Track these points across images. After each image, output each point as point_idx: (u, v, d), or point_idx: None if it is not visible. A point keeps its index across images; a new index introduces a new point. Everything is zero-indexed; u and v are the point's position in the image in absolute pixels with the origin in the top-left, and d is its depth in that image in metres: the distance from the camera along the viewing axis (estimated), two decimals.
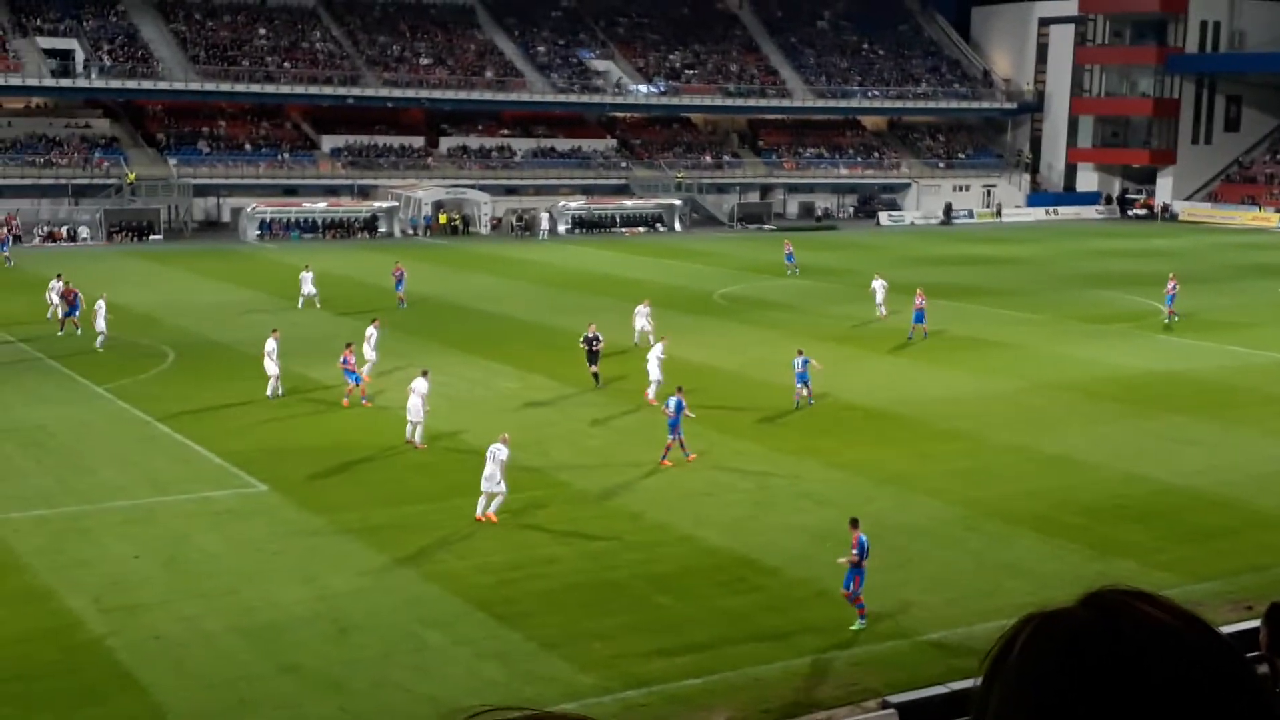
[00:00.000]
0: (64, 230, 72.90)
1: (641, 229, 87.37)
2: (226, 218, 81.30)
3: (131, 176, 76.64)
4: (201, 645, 18.57)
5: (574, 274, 62.94)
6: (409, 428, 29.75)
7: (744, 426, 31.82)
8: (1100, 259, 69.26)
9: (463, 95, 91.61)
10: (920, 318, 43.69)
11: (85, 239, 72.54)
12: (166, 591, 20.58)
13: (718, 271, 63.28)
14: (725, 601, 20.77)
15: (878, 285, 48.22)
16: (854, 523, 20.03)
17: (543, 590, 21.08)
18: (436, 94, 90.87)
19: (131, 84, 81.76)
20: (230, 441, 29.43)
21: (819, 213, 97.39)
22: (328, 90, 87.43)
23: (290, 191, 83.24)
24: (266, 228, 77.43)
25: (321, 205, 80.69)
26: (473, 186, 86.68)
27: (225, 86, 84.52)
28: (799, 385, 33.93)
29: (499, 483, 24.41)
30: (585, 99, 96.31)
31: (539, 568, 22.08)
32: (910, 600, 20.86)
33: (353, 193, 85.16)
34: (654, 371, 34.44)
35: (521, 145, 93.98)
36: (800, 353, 34.59)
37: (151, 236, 74.63)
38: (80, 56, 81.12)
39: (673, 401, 28.74)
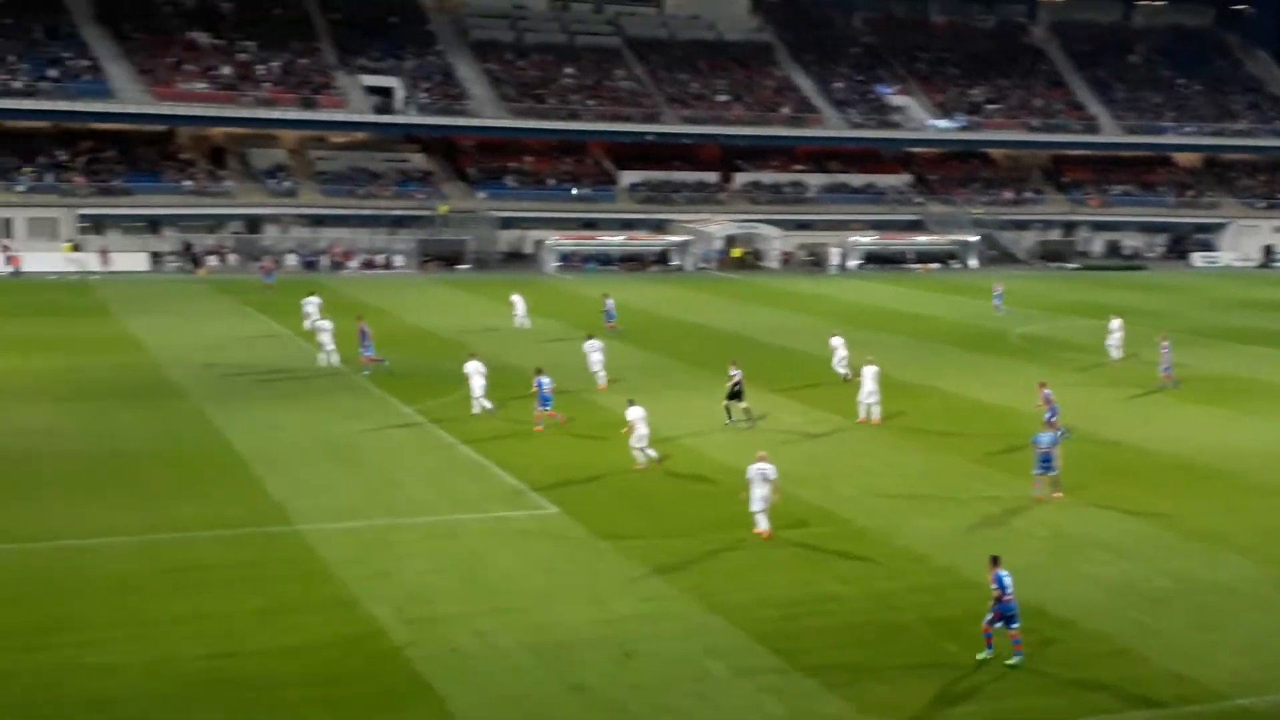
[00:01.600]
0: (380, 258, 77.20)
1: (935, 265, 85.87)
2: (529, 249, 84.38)
3: (443, 209, 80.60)
4: (494, 660, 19.21)
5: (863, 309, 62.33)
6: (639, 456, 30.39)
7: None
8: None
9: (758, 131, 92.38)
10: (1167, 367, 41.58)
11: (400, 267, 76.61)
12: (463, 606, 21.39)
13: (1015, 310, 61.47)
14: None
15: (1115, 325, 47.03)
16: (994, 560, 20.21)
17: (825, 627, 20.89)
18: (732, 130, 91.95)
19: (446, 120, 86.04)
20: (525, 464, 30.41)
21: (1127, 252, 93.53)
22: (628, 127, 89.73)
23: (589, 225, 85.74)
24: (565, 259, 79.98)
25: (618, 238, 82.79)
26: (764, 221, 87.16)
27: (533, 123, 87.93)
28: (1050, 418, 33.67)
29: (769, 499, 25.44)
30: (881, 134, 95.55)
31: (821, 604, 21.89)
32: (1220, 663, 19.65)
33: (648, 227, 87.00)
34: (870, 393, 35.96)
35: (815, 180, 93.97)
36: (1043, 385, 34.94)
37: (459, 266, 78.21)
38: (400, 94, 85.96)
39: (1046, 437, 28.77)
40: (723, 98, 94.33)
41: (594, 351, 40.50)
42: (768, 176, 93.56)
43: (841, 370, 41.40)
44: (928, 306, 62.60)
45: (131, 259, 72.29)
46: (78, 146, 78.57)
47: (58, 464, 29.64)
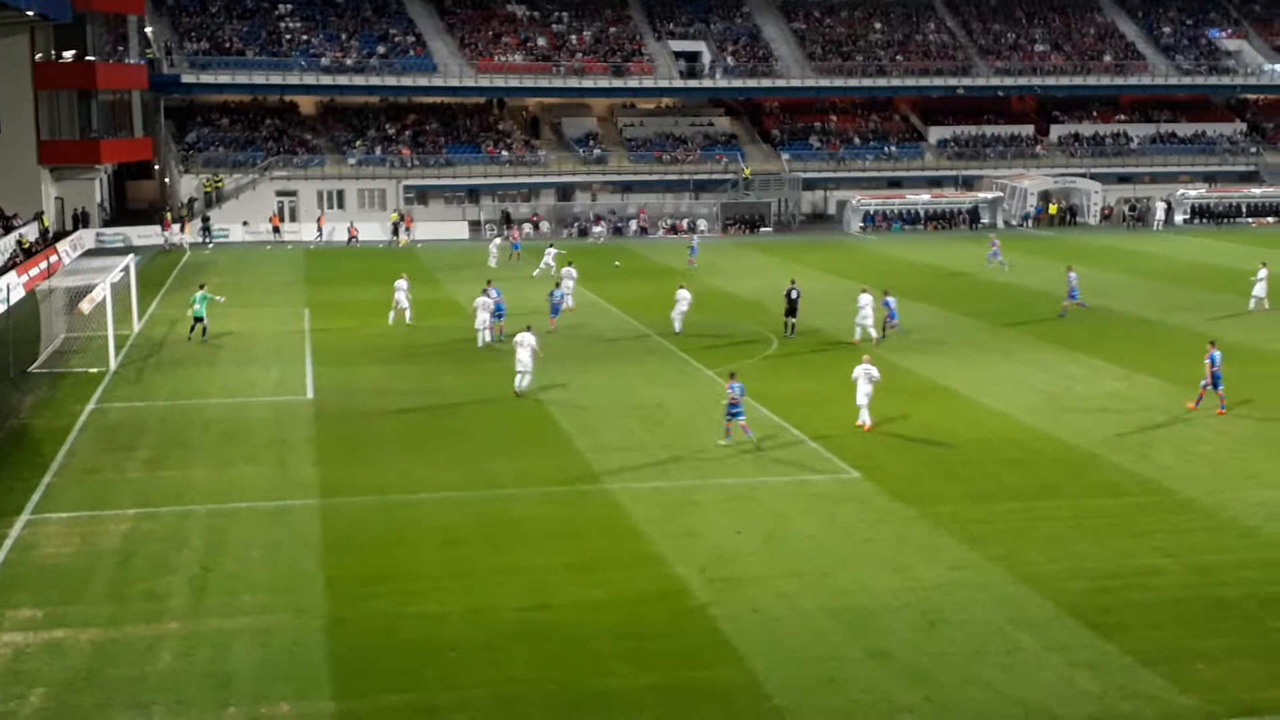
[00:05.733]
0: (684, 223, 78.19)
1: (1270, 219, 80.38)
2: (832, 210, 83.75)
3: (747, 172, 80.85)
4: (796, 622, 19.31)
5: (1189, 267, 59.04)
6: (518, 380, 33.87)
7: None
8: None
9: (1078, 81, 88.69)
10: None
11: (703, 231, 77.40)
12: (765, 567, 21.57)
13: (1015, 265, 57.51)
14: None
15: (1262, 274, 46.18)
16: (731, 375, 29.25)
17: (1142, 602, 20.00)
18: (1050, 80, 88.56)
19: (752, 83, 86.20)
20: (826, 427, 30.32)
21: None
22: (938, 82, 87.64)
23: (894, 184, 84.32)
24: (869, 220, 78.93)
25: (924, 197, 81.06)
26: (1082, 175, 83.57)
27: (839, 82, 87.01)
28: None
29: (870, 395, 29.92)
30: (1213, 81, 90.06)
31: (1139, 578, 20.96)
32: None
33: (956, 184, 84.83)
34: None
35: (1139, 131, 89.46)
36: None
37: (762, 229, 78.36)
38: (707, 58, 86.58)
39: None
40: (1040, 47, 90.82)
41: (568, 279, 47.01)
42: (1087, 128, 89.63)
43: None
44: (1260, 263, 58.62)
45: (453, 228, 75.89)
46: (404, 120, 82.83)
47: (388, 421, 31.50)
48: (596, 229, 75.42)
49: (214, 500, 25.27)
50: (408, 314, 44.86)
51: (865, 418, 30.03)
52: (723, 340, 41.81)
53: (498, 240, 62.83)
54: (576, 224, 77.35)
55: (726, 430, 28.84)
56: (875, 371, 30.20)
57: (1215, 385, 31.46)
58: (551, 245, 59.84)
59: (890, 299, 41.69)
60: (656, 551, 22.33)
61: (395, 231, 72.75)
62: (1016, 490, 25.73)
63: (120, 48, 75.32)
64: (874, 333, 40.35)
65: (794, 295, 42.02)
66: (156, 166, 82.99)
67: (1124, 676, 17.46)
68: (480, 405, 33.14)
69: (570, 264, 50.11)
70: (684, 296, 42.75)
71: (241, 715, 16.55)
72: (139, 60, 76.10)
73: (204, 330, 41.63)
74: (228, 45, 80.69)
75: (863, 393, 29.99)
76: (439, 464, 27.73)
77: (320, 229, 73.16)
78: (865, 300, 40.73)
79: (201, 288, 42.88)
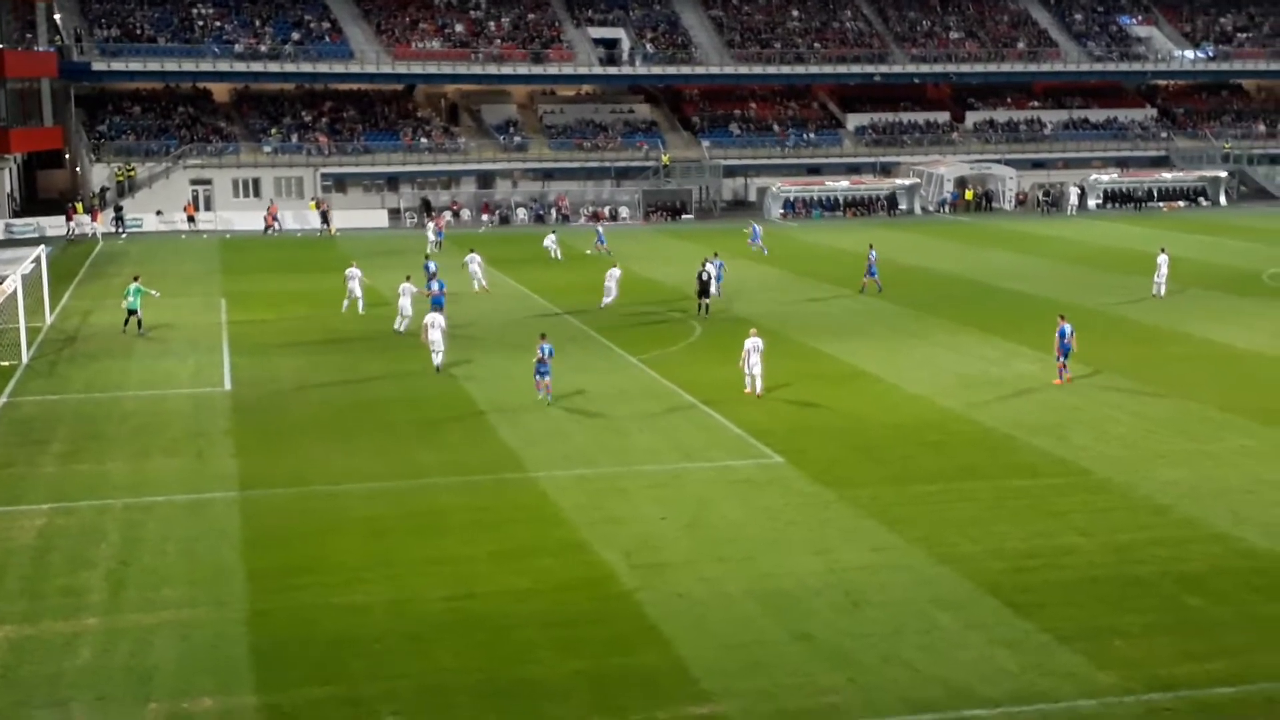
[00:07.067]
0: (606, 210, 78.15)
1: (1181, 203, 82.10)
2: (753, 197, 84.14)
3: (666, 159, 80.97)
4: (721, 606, 19.42)
5: (1103, 251, 60.09)
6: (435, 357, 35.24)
7: None
8: None
9: (992, 68, 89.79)
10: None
11: (625, 218, 77.45)
12: (690, 553, 21.66)
13: (1268, 250, 58.31)
14: (1266, 608, 19.19)
15: (1161, 260, 46.93)
16: (542, 335, 31.78)
17: (1060, 581, 20.36)
18: (965, 68, 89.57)
19: (671, 70, 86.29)
20: (749, 413, 30.51)
21: None
22: (855, 69, 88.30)
23: (814, 170, 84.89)
24: (790, 206, 79.41)
25: (843, 184, 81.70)
26: (997, 161, 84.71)
27: (758, 69, 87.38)
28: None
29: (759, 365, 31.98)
30: (1124, 67, 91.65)
31: (1056, 557, 21.34)
32: None
33: (874, 170, 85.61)
34: None
35: (1052, 117, 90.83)
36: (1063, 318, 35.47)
37: (683, 216, 78.54)
38: (626, 45, 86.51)
39: None
40: (955, 35, 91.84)
41: (472, 264, 48.83)
42: (1002, 115, 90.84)
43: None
44: (1173, 247, 59.79)
45: (373, 216, 75.24)
46: (320, 107, 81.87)
47: (309, 412, 31.18)
48: (485, 217, 75.25)
49: (131, 494, 24.87)
50: (360, 303, 44.42)
51: (758, 386, 31.91)
52: (645, 324, 41.90)
53: (430, 224, 63.58)
54: (498, 211, 77.03)
55: (538, 388, 31.59)
56: (760, 343, 32.12)
57: (1064, 356, 33.15)
58: (553, 232, 61.93)
59: (719, 261, 46.96)
60: (581, 539, 22.35)
61: (325, 220, 71.51)
62: (936, 472, 26.06)
63: (29, 35, 73.71)
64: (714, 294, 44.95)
65: (704, 277, 44.21)
66: (67, 155, 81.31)
67: (1042, 654, 17.77)
68: (404, 395, 32.92)
69: (473, 250, 50.47)
70: (614, 274, 45.17)
71: (163, 710, 16.33)
72: (48, 48, 74.51)
73: (139, 323, 41.05)
74: (139, 32, 79.21)
75: (751, 363, 31.95)
76: (362, 454, 27.50)
77: (272, 227, 71.62)
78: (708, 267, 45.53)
79: (135, 280, 42.19)
